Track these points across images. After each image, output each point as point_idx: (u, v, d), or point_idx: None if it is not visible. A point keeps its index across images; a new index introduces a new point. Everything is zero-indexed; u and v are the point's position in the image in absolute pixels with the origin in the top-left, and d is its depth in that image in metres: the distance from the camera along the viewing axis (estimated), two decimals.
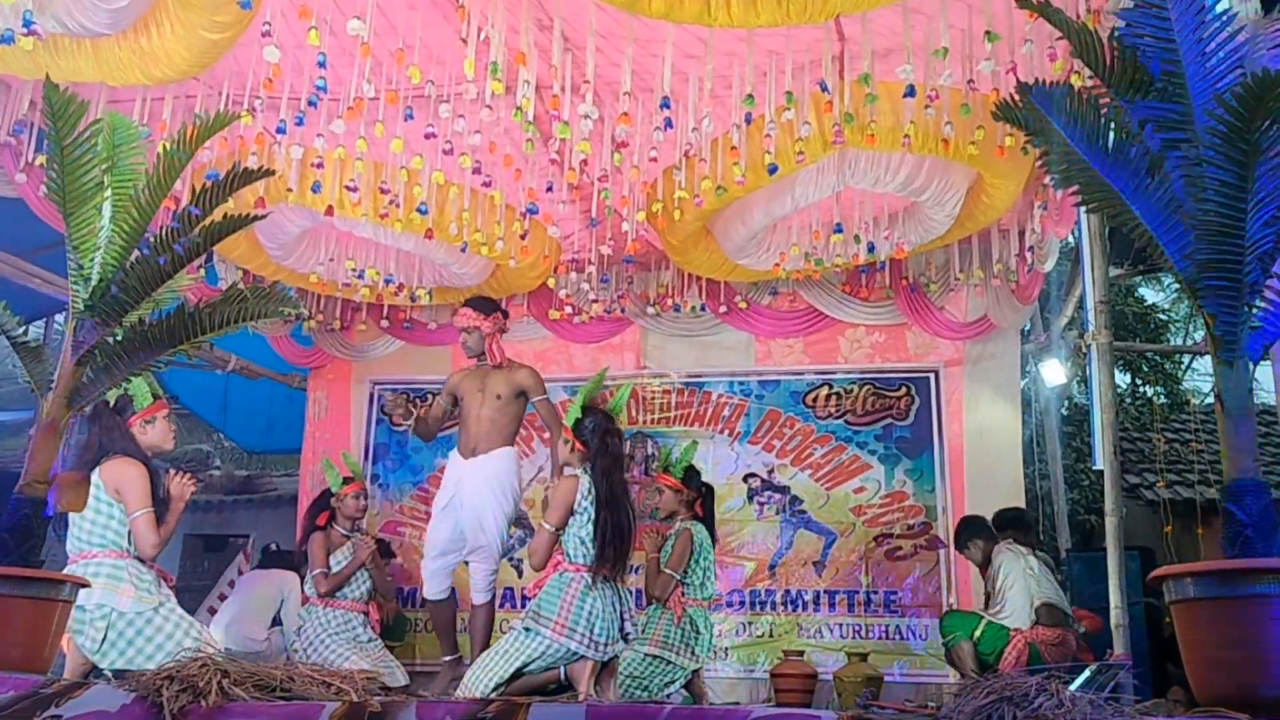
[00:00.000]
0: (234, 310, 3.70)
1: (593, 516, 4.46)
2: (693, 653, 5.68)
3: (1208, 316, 2.86)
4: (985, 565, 6.31)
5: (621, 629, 4.49)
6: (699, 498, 6.02)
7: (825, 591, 7.49)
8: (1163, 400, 13.16)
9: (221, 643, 6.20)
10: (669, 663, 5.60)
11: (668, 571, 5.75)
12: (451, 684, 5.31)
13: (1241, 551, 2.70)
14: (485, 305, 5.83)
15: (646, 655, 5.59)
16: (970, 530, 6.47)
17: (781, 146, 5.12)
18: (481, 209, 6.18)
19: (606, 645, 4.37)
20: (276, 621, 6.82)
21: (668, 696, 5.63)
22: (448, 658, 5.80)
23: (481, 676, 4.34)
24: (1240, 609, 2.57)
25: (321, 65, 4.48)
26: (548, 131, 5.41)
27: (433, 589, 5.69)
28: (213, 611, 8.29)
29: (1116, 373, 8.29)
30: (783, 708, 3.03)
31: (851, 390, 7.83)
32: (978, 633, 5.92)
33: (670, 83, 4.61)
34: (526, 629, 4.38)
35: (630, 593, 4.70)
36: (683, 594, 5.75)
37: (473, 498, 5.51)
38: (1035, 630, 5.84)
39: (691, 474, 6.06)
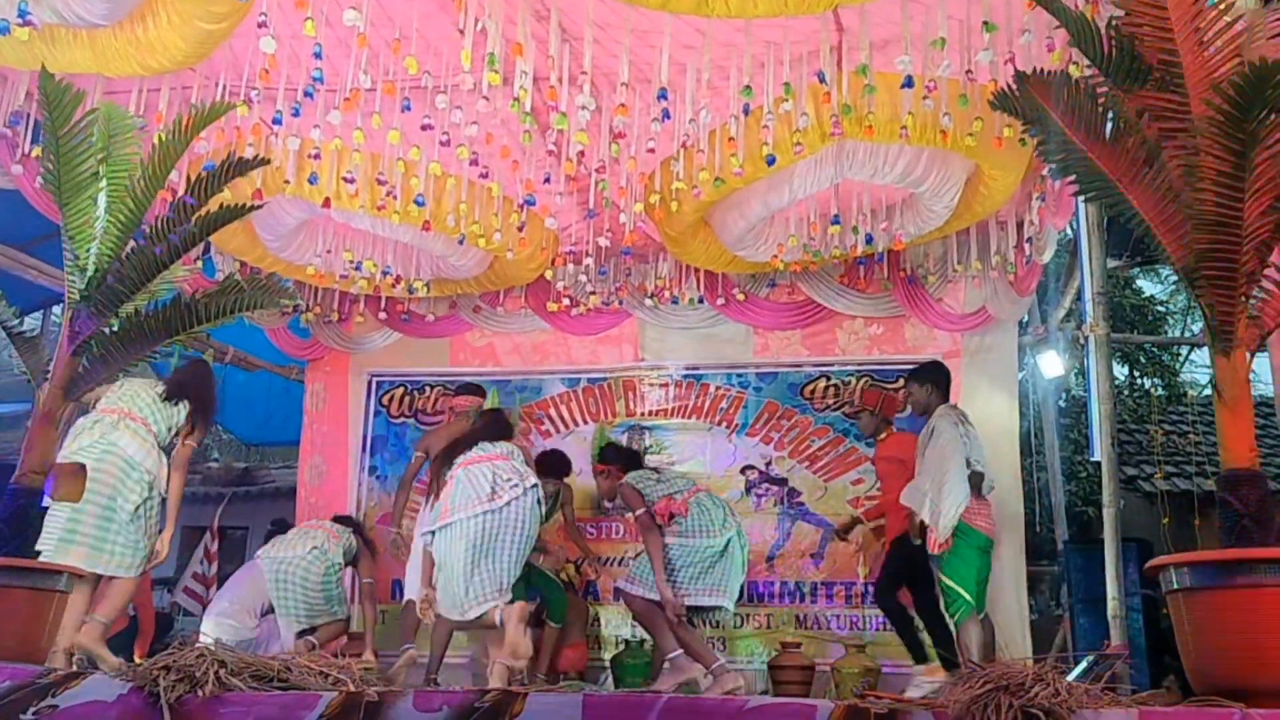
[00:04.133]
0: (230, 301, 3.70)
1: None
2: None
3: (1205, 306, 2.86)
4: (919, 414, 6.23)
5: None
6: (624, 466, 6.26)
7: (823, 583, 7.49)
8: (1160, 392, 13.18)
9: (212, 632, 6.21)
10: None
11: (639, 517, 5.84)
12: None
13: (1239, 541, 2.70)
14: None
15: None
16: (927, 376, 6.35)
17: (779, 138, 5.11)
18: (479, 201, 6.17)
19: None
20: (270, 610, 6.81)
21: None
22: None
23: None
24: (1236, 598, 2.58)
25: (318, 56, 4.46)
26: (545, 123, 5.39)
27: None
28: (187, 592, 8.30)
29: (1114, 364, 8.30)
30: (778, 698, 3.03)
31: (849, 382, 7.82)
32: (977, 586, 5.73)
33: (668, 74, 4.60)
34: None
35: None
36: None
37: None
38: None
39: (608, 452, 6.39)
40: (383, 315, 8.09)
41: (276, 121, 5.03)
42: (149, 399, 5.13)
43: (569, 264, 7.40)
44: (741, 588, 6.18)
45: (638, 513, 5.82)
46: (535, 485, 5.15)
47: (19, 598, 3.26)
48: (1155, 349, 13.68)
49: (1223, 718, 2.22)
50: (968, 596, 5.73)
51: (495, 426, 5.58)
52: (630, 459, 6.53)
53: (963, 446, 5.87)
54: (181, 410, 5.22)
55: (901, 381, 7.68)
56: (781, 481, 7.74)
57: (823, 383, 7.87)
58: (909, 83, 4.58)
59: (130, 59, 4.55)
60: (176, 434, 5.19)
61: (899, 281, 7.45)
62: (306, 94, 4.78)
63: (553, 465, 6.81)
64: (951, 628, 5.86)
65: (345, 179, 5.61)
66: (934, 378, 6.35)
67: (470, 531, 4.98)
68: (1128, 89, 2.99)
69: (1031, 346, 8.65)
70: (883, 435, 6.61)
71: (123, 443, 4.93)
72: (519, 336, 8.38)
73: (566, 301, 7.63)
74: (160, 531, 5.07)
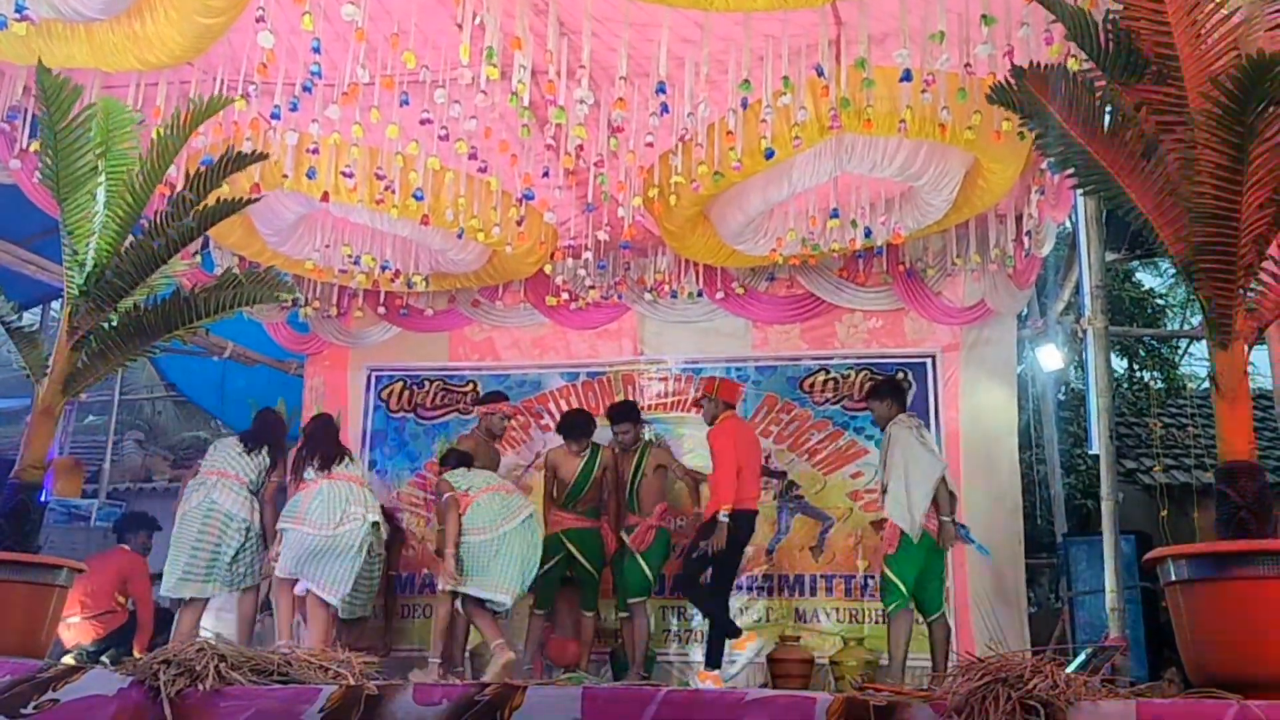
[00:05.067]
0: (229, 295, 3.70)
1: None
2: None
3: (1203, 299, 2.87)
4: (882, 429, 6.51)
5: None
6: (454, 466, 6.80)
7: (822, 576, 7.50)
8: (1159, 385, 13.18)
9: (214, 628, 6.23)
10: None
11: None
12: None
13: (1236, 533, 2.71)
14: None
15: None
16: (887, 392, 6.64)
17: (778, 131, 5.11)
18: (477, 195, 6.17)
19: None
20: (268, 605, 6.84)
21: None
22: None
23: None
24: (1234, 590, 2.59)
25: (316, 50, 4.46)
26: (543, 117, 5.39)
27: None
28: None
29: (1113, 357, 8.31)
30: (777, 690, 3.04)
31: (848, 375, 7.82)
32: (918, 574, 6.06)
33: (666, 67, 4.59)
34: None
35: None
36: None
37: None
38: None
39: (447, 457, 7.00)
40: (381, 310, 8.09)
41: (275, 116, 5.03)
42: (235, 454, 6.41)
43: (568, 258, 7.40)
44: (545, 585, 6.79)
45: (444, 496, 6.45)
46: (376, 522, 6.20)
47: (19, 593, 3.27)
48: (1154, 342, 13.68)
49: (1220, 710, 2.22)
50: (903, 588, 6.05)
51: (337, 437, 6.60)
52: (462, 459, 6.92)
53: (928, 449, 6.25)
54: (264, 456, 6.45)
55: (900, 374, 7.72)
56: (780, 474, 7.74)
57: (822, 376, 7.87)
58: (907, 76, 4.58)
59: (127, 54, 4.55)
60: (265, 474, 6.46)
61: (898, 275, 7.45)
62: (305, 89, 4.78)
63: (582, 425, 7.11)
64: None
65: (344, 173, 5.60)
66: (892, 393, 6.64)
67: (311, 544, 6.00)
68: (1125, 82, 2.99)
69: (1031, 339, 8.66)
70: (721, 419, 6.70)
71: (221, 500, 6.26)
72: (518, 331, 8.38)
73: (565, 296, 7.63)
74: (265, 550, 6.37)
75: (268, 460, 6.42)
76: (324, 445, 6.30)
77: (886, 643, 6.25)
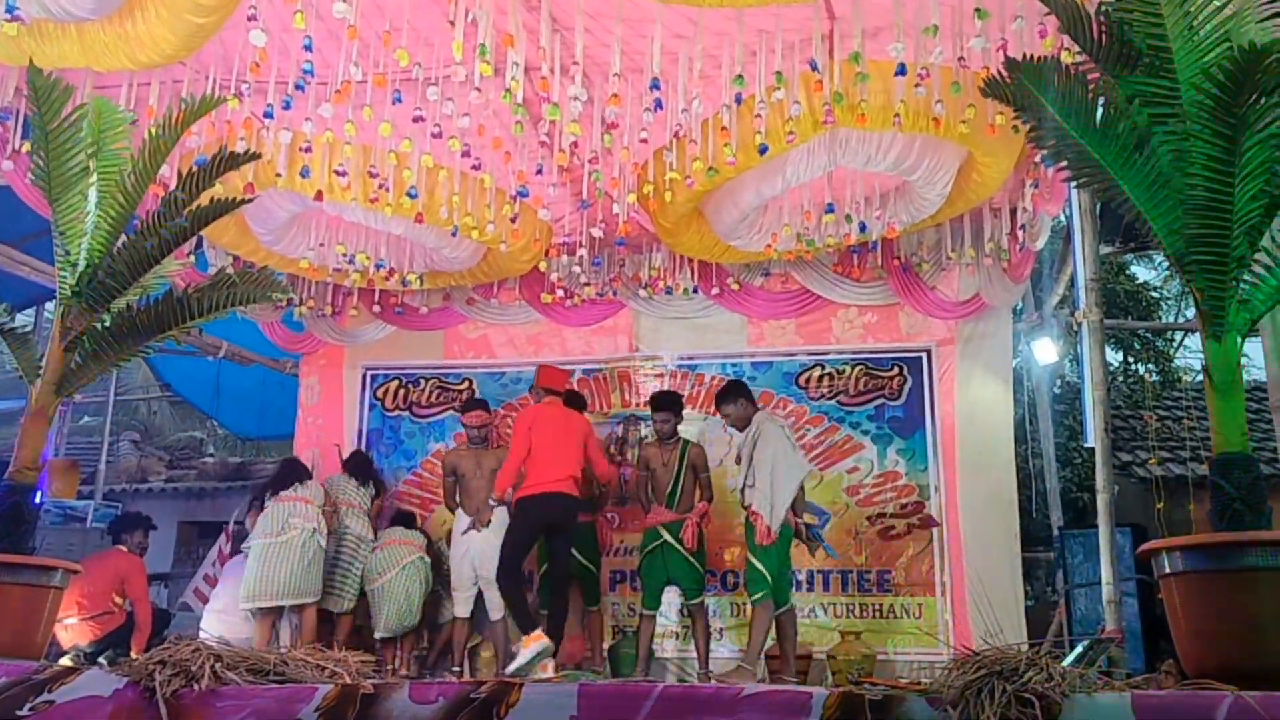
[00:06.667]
0: (222, 295, 3.69)
1: None
2: None
3: (1196, 291, 2.87)
4: (742, 428, 6.54)
5: None
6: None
7: (819, 571, 7.50)
8: (1154, 378, 13.20)
9: (214, 629, 6.22)
10: None
11: None
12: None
13: (1230, 524, 2.71)
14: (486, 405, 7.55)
15: None
16: (738, 391, 6.67)
17: (772, 127, 5.11)
18: (471, 193, 6.16)
19: None
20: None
21: None
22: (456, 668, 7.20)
23: None
24: (1228, 581, 2.59)
25: (308, 49, 4.45)
26: (537, 113, 5.38)
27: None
28: (197, 594, 8.31)
29: (1108, 350, 8.32)
30: (774, 685, 3.04)
31: (844, 371, 7.83)
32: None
33: (660, 63, 4.59)
34: None
35: None
36: None
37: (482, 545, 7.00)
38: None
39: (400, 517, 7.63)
40: (376, 308, 8.08)
41: (268, 115, 5.02)
42: (353, 487, 7.48)
43: (563, 255, 7.40)
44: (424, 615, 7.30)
45: None
46: (316, 530, 6.92)
47: (14, 594, 3.26)
48: (1149, 335, 13.70)
49: (1215, 701, 2.22)
50: (769, 579, 6.13)
51: (298, 470, 7.36)
52: (403, 519, 7.63)
53: (792, 447, 6.35)
54: (371, 486, 7.61)
55: (896, 369, 7.73)
56: None
57: (817, 371, 7.87)
58: (901, 70, 4.57)
59: (119, 53, 4.54)
60: (372, 500, 7.59)
61: (893, 269, 7.45)
62: (297, 87, 4.76)
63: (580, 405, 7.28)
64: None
65: (337, 172, 5.59)
66: (740, 394, 6.66)
67: (257, 552, 6.85)
68: (1119, 75, 2.99)
69: (1026, 333, 8.66)
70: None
71: (352, 525, 7.29)
72: (513, 328, 8.38)
73: (561, 293, 7.62)
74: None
75: (373, 489, 7.63)
76: (279, 479, 7.23)
77: (748, 632, 6.32)
